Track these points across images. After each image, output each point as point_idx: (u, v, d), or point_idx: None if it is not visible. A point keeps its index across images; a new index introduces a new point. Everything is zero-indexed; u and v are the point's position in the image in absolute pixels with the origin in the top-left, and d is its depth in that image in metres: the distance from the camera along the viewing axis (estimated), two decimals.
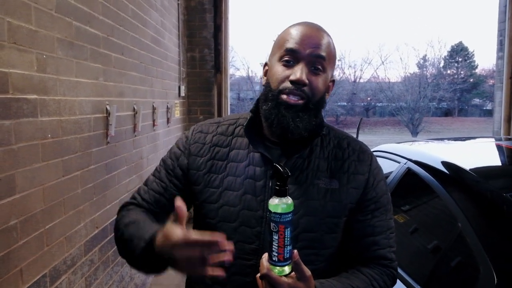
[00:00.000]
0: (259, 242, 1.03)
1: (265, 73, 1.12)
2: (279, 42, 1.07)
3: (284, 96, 1.03)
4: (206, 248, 0.80)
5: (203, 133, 1.14)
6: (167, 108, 4.38)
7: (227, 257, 0.80)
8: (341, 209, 1.06)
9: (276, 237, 0.86)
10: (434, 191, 1.71)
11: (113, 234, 2.98)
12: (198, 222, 1.12)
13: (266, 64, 1.13)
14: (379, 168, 1.14)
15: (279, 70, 1.04)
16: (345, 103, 36.79)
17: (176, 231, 0.82)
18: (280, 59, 1.05)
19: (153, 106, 3.82)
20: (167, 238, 0.84)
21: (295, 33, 1.05)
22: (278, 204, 0.87)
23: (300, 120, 1.03)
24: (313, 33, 1.05)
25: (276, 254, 0.87)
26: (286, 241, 0.87)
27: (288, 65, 1.04)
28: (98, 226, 2.60)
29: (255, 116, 1.11)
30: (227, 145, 1.11)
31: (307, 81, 1.02)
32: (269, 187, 1.04)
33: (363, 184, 1.08)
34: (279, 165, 0.90)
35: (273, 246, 0.87)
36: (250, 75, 32.62)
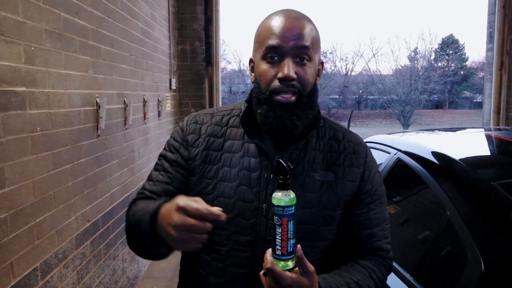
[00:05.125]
0: (255, 234, 1.02)
1: (252, 69, 1.11)
2: (260, 38, 1.05)
3: (277, 97, 1.01)
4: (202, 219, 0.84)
5: (198, 123, 1.12)
6: (158, 101, 4.36)
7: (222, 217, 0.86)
8: (337, 202, 1.06)
9: (280, 230, 0.87)
10: (424, 181, 1.73)
11: (104, 227, 2.97)
12: None
13: (251, 61, 1.11)
14: (374, 160, 1.15)
15: (265, 69, 1.02)
16: (337, 96, 36.85)
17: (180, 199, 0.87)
18: (264, 56, 1.02)
19: (143, 99, 3.80)
20: (171, 205, 0.88)
21: (274, 27, 1.01)
22: (281, 198, 0.87)
23: (297, 118, 1.02)
24: (293, 24, 1.01)
25: (280, 248, 0.87)
26: (289, 234, 0.87)
27: (273, 61, 1.01)
28: (90, 220, 2.59)
29: (250, 107, 1.10)
30: (222, 136, 1.10)
31: (295, 76, 1.00)
32: (264, 179, 1.04)
33: (359, 177, 1.09)
34: (282, 159, 0.90)
35: (277, 240, 0.87)
36: (242, 68, 32.51)
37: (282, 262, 0.88)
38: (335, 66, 37.39)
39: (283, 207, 0.87)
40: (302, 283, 0.89)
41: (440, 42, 38.27)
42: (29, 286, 1.90)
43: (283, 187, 0.88)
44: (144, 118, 3.82)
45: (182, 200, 0.86)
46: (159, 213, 0.91)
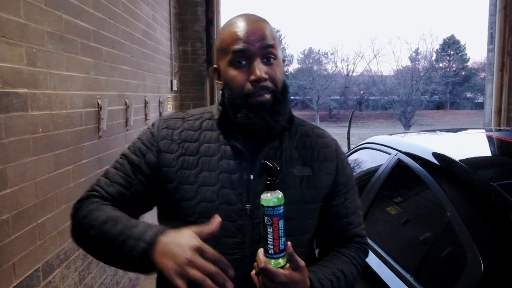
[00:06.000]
0: (242, 235, 1.03)
1: (218, 78, 1.11)
2: (223, 45, 1.05)
3: (253, 99, 1.02)
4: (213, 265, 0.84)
5: (170, 129, 1.10)
6: (159, 102, 4.37)
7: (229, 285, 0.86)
8: (317, 195, 1.10)
9: (271, 230, 0.90)
10: (425, 182, 1.73)
11: None
12: (173, 221, 1.06)
13: (215, 69, 1.11)
14: (343, 152, 1.20)
15: (235, 74, 1.03)
16: (338, 97, 36.83)
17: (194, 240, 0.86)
18: (231, 62, 1.03)
19: (145, 100, 3.81)
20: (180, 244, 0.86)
21: (238, 32, 1.03)
22: (270, 198, 0.90)
23: (277, 114, 1.04)
24: (255, 26, 1.04)
25: (272, 247, 0.90)
26: (280, 233, 0.90)
27: (241, 66, 1.03)
28: None
29: (223, 110, 1.10)
30: (196, 140, 1.08)
31: (267, 76, 1.02)
32: (245, 180, 1.05)
33: (334, 170, 1.14)
34: (268, 161, 0.93)
35: (268, 239, 0.90)
36: None
37: (274, 260, 0.91)
38: (336, 66, 37.39)
39: (273, 207, 0.90)
40: (295, 279, 0.92)
41: (441, 43, 38.28)
42: (31, 287, 1.90)
43: (271, 188, 0.91)
44: (146, 119, 3.83)
45: (198, 240, 0.87)
46: (158, 242, 0.90)
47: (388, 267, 1.67)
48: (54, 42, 2.13)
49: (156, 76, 4.22)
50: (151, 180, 1.07)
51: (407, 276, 1.53)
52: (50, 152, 2.08)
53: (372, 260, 1.81)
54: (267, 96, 1.03)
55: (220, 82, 1.10)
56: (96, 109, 2.64)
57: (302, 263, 0.94)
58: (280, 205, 0.90)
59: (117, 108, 3.06)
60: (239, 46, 1.02)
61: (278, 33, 45.80)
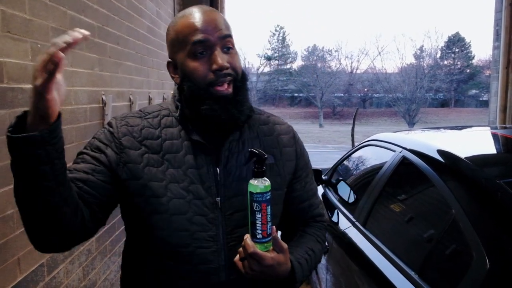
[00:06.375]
0: (215, 228, 1.05)
1: (174, 72, 1.11)
2: (179, 37, 1.05)
3: (215, 88, 1.03)
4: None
5: (129, 126, 1.07)
6: (163, 98, 4.37)
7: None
8: (282, 182, 1.14)
9: (260, 216, 0.95)
10: (429, 179, 1.72)
11: (109, 224, 2.97)
12: (144, 219, 1.04)
13: (170, 63, 1.11)
14: (299, 137, 1.25)
15: (196, 66, 1.03)
16: (342, 94, 36.78)
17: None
18: (191, 54, 1.03)
19: (149, 96, 3.81)
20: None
21: (195, 23, 1.03)
22: (258, 185, 0.95)
23: (241, 104, 1.06)
24: (211, 17, 1.05)
25: (260, 232, 0.95)
26: (268, 218, 0.95)
27: (201, 56, 1.03)
28: None
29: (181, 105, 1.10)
30: (158, 137, 1.07)
31: (228, 64, 1.03)
32: (212, 173, 1.06)
33: (294, 155, 1.18)
34: (255, 149, 0.97)
35: (257, 225, 0.95)
36: (247, 66, 32.51)
37: (261, 245, 0.96)
38: (340, 64, 37.34)
39: (262, 193, 0.94)
40: (280, 261, 0.98)
41: (446, 40, 38.10)
42: (36, 282, 1.91)
43: (258, 175, 0.96)
44: None
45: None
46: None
47: (393, 265, 1.67)
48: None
49: (160, 73, 4.22)
50: (112, 174, 1.03)
51: (412, 273, 1.52)
52: None
53: (377, 257, 1.81)
54: (228, 88, 1.04)
55: (177, 76, 1.10)
56: (101, 105, 2.65)
57: (285, 245, 0.99)
58: (268, 191, 0.95)
59: (121, 104, 3.06)
60: (198, 37, 1.02)
61: (282, 30, 45.75)
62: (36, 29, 1.91)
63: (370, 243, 1.95)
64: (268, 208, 0.95)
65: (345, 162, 3.33)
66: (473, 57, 39.12)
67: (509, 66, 5.11)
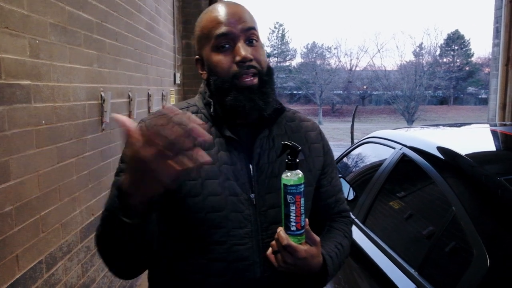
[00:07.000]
0: (250, 225, 1.04)
1: (201, 68, 1.11)
2: (205, 32, 1.05)
3: (240, 81, 1.02)
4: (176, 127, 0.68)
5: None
6: (162, 95, 4.36)
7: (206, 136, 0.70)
8: (312, 178, 1.15)
9: (294, 208, 0.94)
10: (429, 176, 1.72)
11: None
12: (180, 218, 1.04)
13: (198, 60, 1.11)
14: (323, 133, 1.25)
15: (220, 59, 1.03)
16: (341, 92, 36.75)
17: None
18: (215, 48, 1.03)
19: (148, 93, 3.80)
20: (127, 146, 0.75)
21: (219, 16, 1.03)
22: (291, 177, 0.95)
23: (267, 96, 1.04)
24: (235, 10, 1.04)
25: (294, 224, 0.95)
26: (302, 210, 0.95)
27: (225, 49, 1.03)
28: (94, 213, 2.59)
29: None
30: None
31: (252, 56, 1.02)
32: (245, 169, 1.06)
33: (321, 152, 1.18)
34: (288, 141, 0.97)
35: (291, 217, 0.95)
36: None
37: (294, 237, 0.95)
38: (340, 61, 37.28)
39: (296, 185, 0.94)
40: (313, 253, 0.97)
41: (446, 38, 38.08)
42: (34, 279, 1.91)
43: (291, 167, 0.95)
44: (149, 112, 3.82)
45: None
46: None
47: (392, 262, 1.66)
48: (57, 34, 2.11)
49: (159, 69, 4.21)
50: None
51: (412, 271, 1.52)
52: (53, 144, 2.08)
53: (376, 254, 1.80)
54: (254, 79, 1.03)
55: (204, 72, 1.10)
56: (99, 101, 2.63)
57: (317, 238, 0.99)
58: (301, 184, 0.95)
59: (120, 101, 3.05)
60: (221, 30, 1.02)
61: (281, 27, 45.66)
62: (34, 25, 1.90)
63: (370, 240, 1.95)
64: (302, 200, 0.95)
65: (345, 159, 3.32)
66: (472, 55, 39.13)
67: (509, 64, 5.10)
